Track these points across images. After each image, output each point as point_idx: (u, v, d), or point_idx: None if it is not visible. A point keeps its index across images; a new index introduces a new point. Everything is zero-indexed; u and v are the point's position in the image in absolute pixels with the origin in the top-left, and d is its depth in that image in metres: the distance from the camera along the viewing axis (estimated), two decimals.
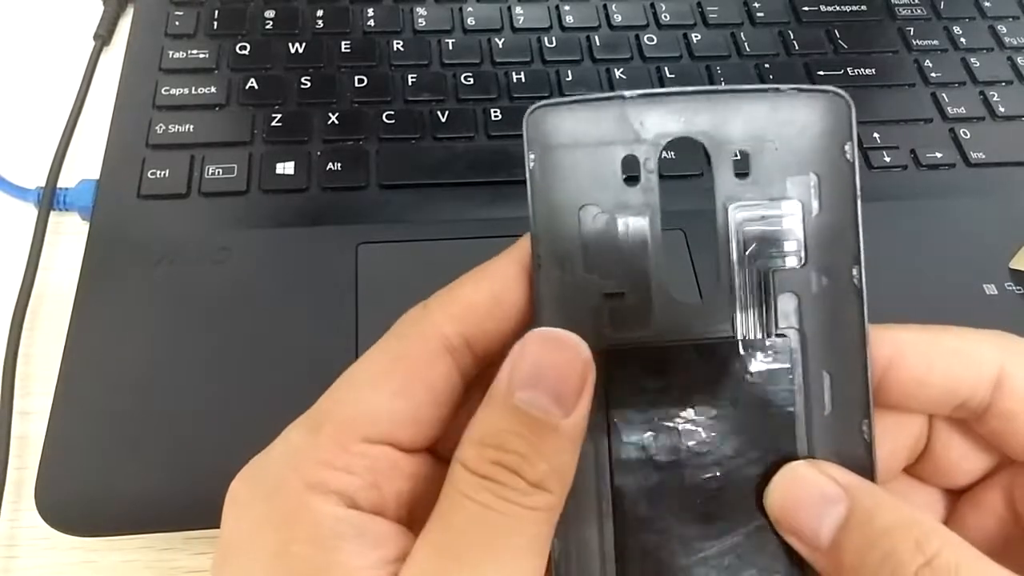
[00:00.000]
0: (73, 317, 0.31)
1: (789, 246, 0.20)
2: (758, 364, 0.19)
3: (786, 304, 0.20)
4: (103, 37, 0.42)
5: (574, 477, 0.18)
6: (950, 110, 0.40)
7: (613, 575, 0.19)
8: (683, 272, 0.32)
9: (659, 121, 0.19)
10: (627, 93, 0.19)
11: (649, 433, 0.19)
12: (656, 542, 0.19)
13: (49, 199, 0.36)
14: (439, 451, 0.20)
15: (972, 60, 0.42)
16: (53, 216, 0.36)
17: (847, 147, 0.20)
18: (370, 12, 0.41)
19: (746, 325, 0.20)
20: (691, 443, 0.19)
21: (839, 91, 0.20)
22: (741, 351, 0.19)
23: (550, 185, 0.19)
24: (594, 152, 0.19)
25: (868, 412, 0.19)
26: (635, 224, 0.19)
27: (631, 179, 0.19)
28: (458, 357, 0.19)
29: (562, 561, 0.19)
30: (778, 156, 0.20)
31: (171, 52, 0.39)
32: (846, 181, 0.19)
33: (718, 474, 0.19)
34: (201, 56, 0.39)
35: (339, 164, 0.36)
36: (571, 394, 0.17)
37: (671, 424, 0.19)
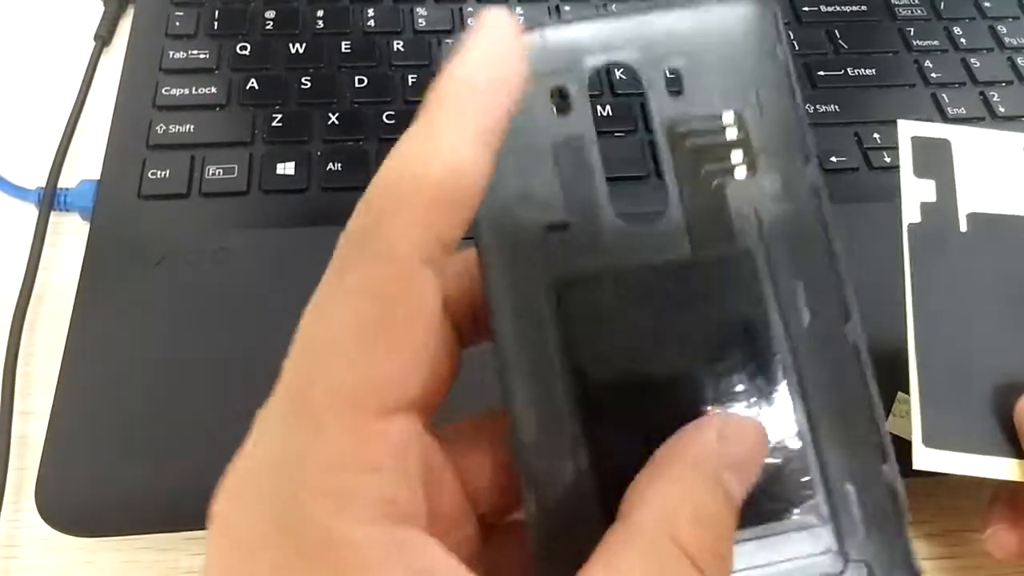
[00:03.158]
0: (73, 317, 0.31)
1: (735, 157, 0.19)
2: (721, 282, 0.19)
3: (742, 216, 0.19)
4: (103, 37, 0.42)
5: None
6: (950, 110, 0.40)
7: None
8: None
9: (582, 48, 0.19)
10: (547, 22, 0.19)
11: (613, 369, 0.18)
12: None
13: (50, 199, 0.36)
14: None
15: (972, 60, 0.42)
16: (53, 216, 0.36)
17: (777, 49, 0.19)
18: (370, 12, 0.41)
19: (703, 243, 0.19)
20: (661, 372, 0.18)
21: None
22: (702, 271, 0.18)
23: None
24: (529, 82, 0.18)
25: (849, 315, 0.18)
26: (570, 154, 0.19)
27: (563, 110, 0.19)
28: (438, 265, 0.15)
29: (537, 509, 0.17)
30: (710, 69, 0.19)
31: (171, 52, 0.39)
32: (782, 82, 0.19)
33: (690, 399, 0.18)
34: (201, 56, 0.39)
35: (339, 164, 0.36)
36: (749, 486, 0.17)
37: (635, 355, 0.18)
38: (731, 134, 0.19)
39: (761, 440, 0.17)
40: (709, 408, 0.18)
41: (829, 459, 0.18)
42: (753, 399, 0.18)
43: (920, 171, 0.28)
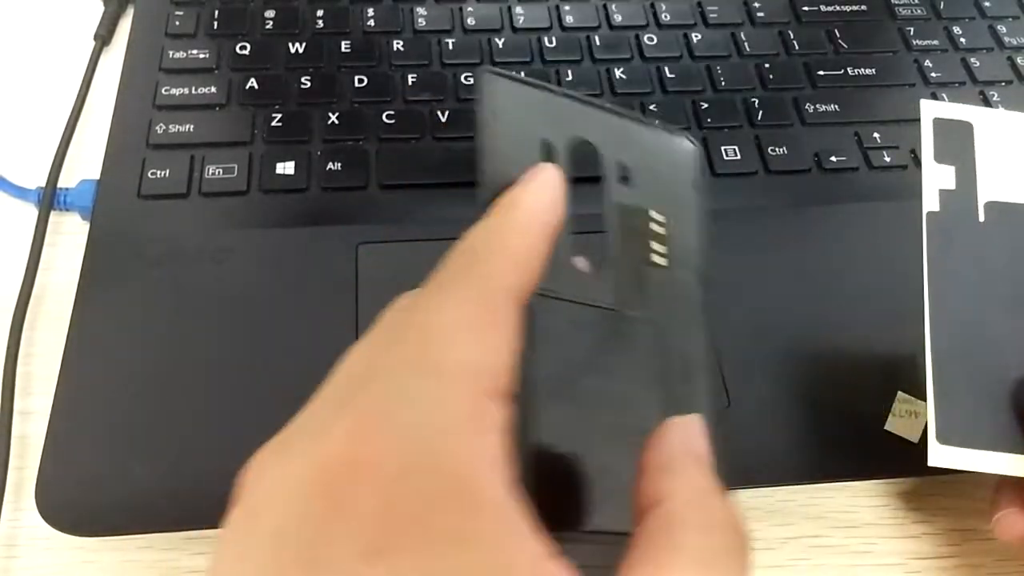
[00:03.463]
0: (73, 317, 0.31)
1: (656, 248, 0.24)
2: (629, 336, 0.23)
3: (651, 291, 0.24)
4: (103, 37, 0.42)
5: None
6: None
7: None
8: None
9: (570, 120, 0.24)
10: (555, 89, 0.24)
11: (562, 372, 0.21)
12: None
13: (49, 199, 0.36)
14: None
15: (972, 60, 0.42)
16: (53, 216, 0.36)
17: (695, 177, 0.25)
18: (370, 12, 0.41)
19: (624, 301, 0.23)
20: (590, 382, 0.22)
21: (690, 137, 0.26)
22: (617, 321, 0.23)
23: (502, 132, 0.23)
24: (523, 125, 0.23)
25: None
26: None
27: (545, 155, 0.23)
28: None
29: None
30: (651, 175, 0.25)
31: (171, 52, 0.39)
32: (696, 203, 0.25)
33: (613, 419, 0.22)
34: (201, 56, 0.39)
35: (339, 164, 0.36)
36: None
37: (576, 367, 0.22)
38: (657, 227, 0.24)
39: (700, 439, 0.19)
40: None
41: None
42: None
43: (941, 155, 0.27)
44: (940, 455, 0.25)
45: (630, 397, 0.22)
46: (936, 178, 0.27)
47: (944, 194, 0.27)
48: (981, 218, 0.27)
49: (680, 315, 0.24)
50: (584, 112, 0.24)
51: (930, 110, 0.28)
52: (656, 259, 0.24)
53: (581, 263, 0.23)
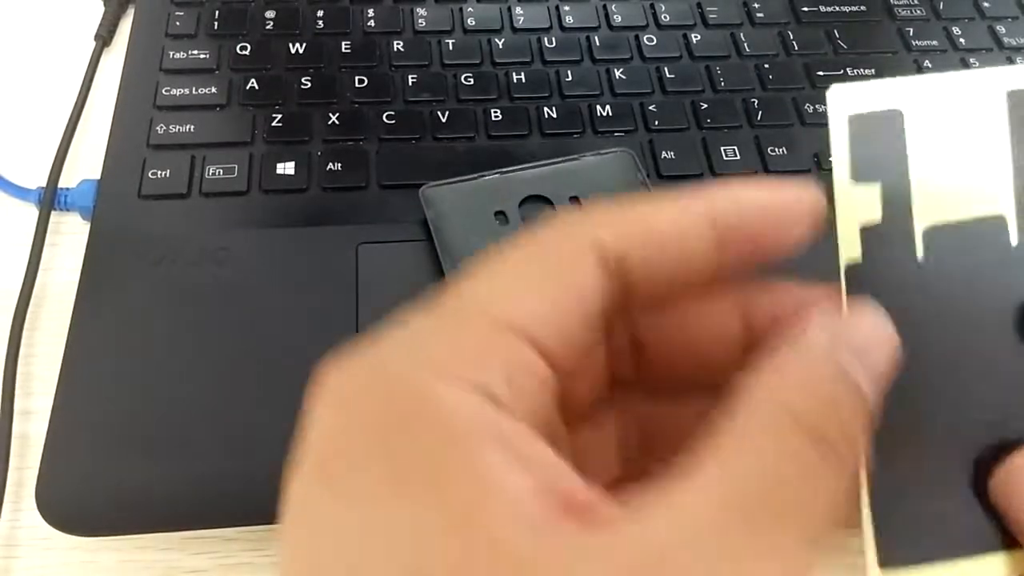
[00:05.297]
0: (74, 317, 0.31)
1: None
2: None
3: None
4: (104, 37, 0.42)
5: None
6: None
7: None
8: None
9: (512, 188, 0.33)
10: (489, 175, 0.33)
11: None
12: None
13: (50, 199, 0.36)
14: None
15: (972, 60, 0.42)
16: (54, 216, 0.36)
17: (640, 176, 0.34)
18: (370, 12, 0.41)
19: None
20: None
21: (624, 149, 0.34)
22: None
23: (452, 231, 0.32)
24: (478, 209, 0.32)
25: None
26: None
27: (504, 222, 0.32)
28: (609, 274, 0.16)
29: None
30: (600, 192, 0.32)
31: (172, 52, 0.39)
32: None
33: None
34: (202, 56, 0.39)
35: (339, 164, 0.36)
36: (881, 380, 0.16)
37: None
38: None
39: (878, 324, 0.16)
40: None
41: None
42: None
43: (861, 173, 0.18)
44: None
45: None
46: (855, 209, 0.18)
47: (868, 232, 0.18)
48: (919, 255, 0.18)
49: None
50: (520, 177, 0.33)
51: (843, 102, 0.18)
52: None
53: None
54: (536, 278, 0.16)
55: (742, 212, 0.17)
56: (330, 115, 0.37)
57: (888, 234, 0.18)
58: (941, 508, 0.18)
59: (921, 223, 0.18)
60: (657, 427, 0.20)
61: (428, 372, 0.14)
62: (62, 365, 0.30)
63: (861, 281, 0.18)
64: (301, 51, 0.39)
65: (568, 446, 0.18)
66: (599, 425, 0.19)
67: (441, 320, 0.15)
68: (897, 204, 0.18)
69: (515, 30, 0.41)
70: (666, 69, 0.40)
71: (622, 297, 0.17)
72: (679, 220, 0.17)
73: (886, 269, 0.18)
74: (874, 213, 0.18)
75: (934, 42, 0.42)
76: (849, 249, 0.18)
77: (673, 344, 0.19)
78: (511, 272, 0.16)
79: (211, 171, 0.35)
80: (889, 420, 0.16)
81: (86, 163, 0.38)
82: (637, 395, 0.20)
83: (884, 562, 0.17)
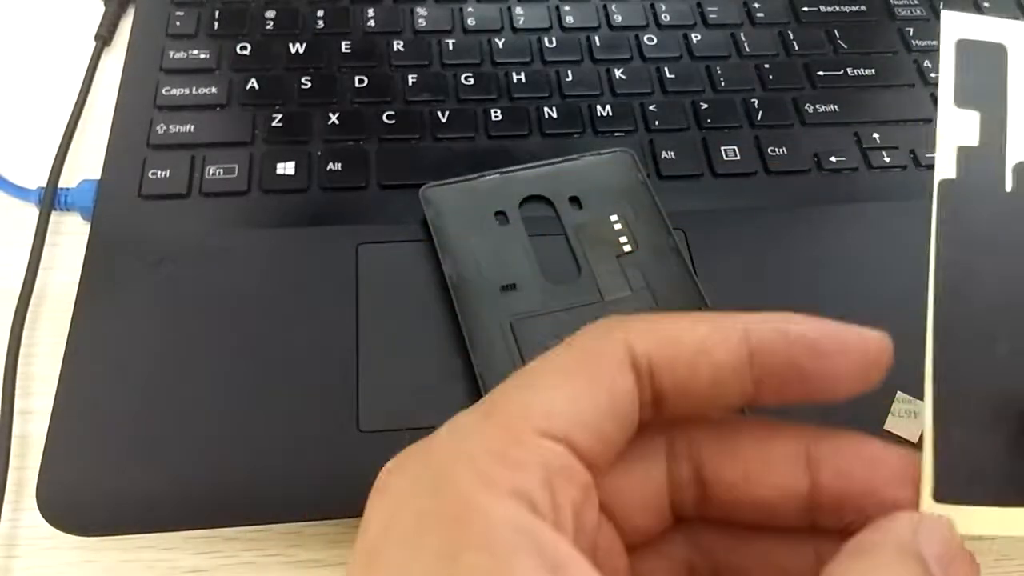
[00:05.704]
0: (74, 317, 0.31)
1: (624, 240, 0.32)
2: (620, 311, 0.29)
3: (634, 273, 0.31)
4: (104, 37, 0.42)
5: None
6: None
7: None
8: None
9: (512, 188, 0.33)
10: (489, 175, 0.34)
11: None
12: None
13: (50, 199, 0.36)
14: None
15: None
16: (54, 216, 0.36)
17: (639, 174, 0.34)
18: (370, 12, 0.41)
19: (609, 291, 0.31)
20: None
21: (623, 149, 0.35)
22: (603, 307, 0.31)
23: (452, 231, 0.32)
24: (478, 209, 0.33)
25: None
26: (509, 245, 0.32)
27: (504, 222, 0.33)
28: (639, 380, 0.18)
29: None
30: (598, 192, 0.33)
31: (172, 52, 0.39)
32: (645, 192, 0.33)
33: None
34: (202, 56, 0.39)
35: (339, 164, 0.36)
36: None
37: None
38: (618, 226, 0.33)
39: (958, 539, 0.17)
40: None
41: None
42: None
43: (964, 96, 0.19)
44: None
45: None
46: (955, 130, 0.19)
47: (964, 153, 0.19)
48: (1008, 187, 0.19)
49: (665, 270, 0.31)
50: (520, 177, 0.33)
51: (954, 27, 0.20)
52: (626, 248, 0.32)
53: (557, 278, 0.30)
54: (570, 380, 0.17)
55: (790, 349, 0.18)
56: (330, 115, 0.37)
57: (982, 160, 0.19)
58: (1001, 451, 0.18)
59: (1013, 157, 0.20)
60: (723, 560, 0.20)
61: (472, 476, 0.16)
62: (62, 365, 0.30)
63: (952, 197, 0.19)
64: (301, 51, 0.39)
65: (627, 570, 0.19)
66: (665, 554, 0.20)
67: (486, 424, 0.17)
68: (993, 134, 0.19)
69: (515, 30, 0.41)
70: (666, 69, 0.40)
71: (655, 401, 0.18)
72: (710, 337, 0.18)
73: (975, 193, 0.19)
74: (971, 138, 0.19)
75: (934, 42, 0.42)
76: (945, 167, 0.19)
77: (736, 483, 0.19)
78: (548, 377, 0.17)
79: (211, 171, 0.35)
80: (961, 349, 0.18)
81: (86, 163, 0.38)
82: (705, 527, 0.20)
83: (939, 495, 0.18)
